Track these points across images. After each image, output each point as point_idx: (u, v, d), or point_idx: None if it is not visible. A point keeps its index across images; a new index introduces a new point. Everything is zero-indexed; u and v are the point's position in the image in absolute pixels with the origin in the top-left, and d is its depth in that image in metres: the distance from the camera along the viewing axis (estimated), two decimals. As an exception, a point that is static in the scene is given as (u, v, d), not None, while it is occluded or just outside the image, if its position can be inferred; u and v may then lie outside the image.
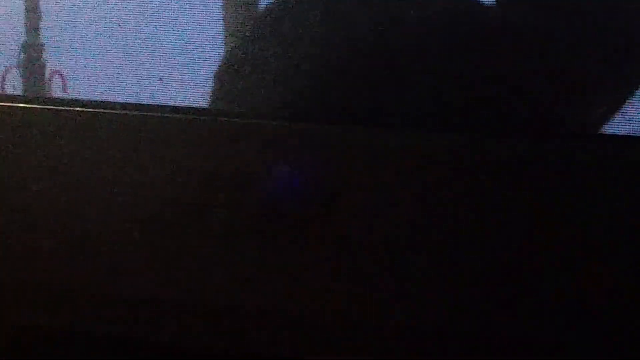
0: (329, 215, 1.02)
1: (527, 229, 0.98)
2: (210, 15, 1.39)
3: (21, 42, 1.32)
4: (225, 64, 1.28)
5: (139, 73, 1.20)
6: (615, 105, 1.15)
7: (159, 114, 1.09)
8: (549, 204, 0.98)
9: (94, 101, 1.13)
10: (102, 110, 1.11)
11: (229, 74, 1.25)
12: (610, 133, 1.16)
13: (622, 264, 0.96)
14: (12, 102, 1.14)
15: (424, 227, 1.00)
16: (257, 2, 1.71)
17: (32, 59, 1.31)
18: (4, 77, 1.30)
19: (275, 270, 1.04)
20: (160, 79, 1.19)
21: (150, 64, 1.20)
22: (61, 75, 1.27)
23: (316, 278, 1.03)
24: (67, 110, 1.11)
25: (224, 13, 1.64)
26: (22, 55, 1.31)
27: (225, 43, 1.59)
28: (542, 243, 0.98)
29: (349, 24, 1.18)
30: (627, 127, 1.05)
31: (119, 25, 1.21)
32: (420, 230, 1.01)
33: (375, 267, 1.01)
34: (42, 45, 1.30)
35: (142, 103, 1.14)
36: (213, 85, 1.25)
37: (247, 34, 1.33)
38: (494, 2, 1.16)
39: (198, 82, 1.23)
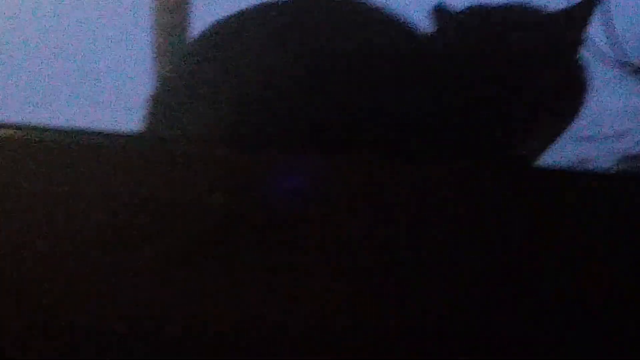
0: (264, 241, 1.01)
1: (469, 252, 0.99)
2: (140, 40, 1.38)
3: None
4: (157, 89, 1.27)
5: (70, 96, 1.18)
6: (548, 140, 1.16)
7: (90, 139, 1.07)
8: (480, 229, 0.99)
9: (23, 125, 1.10)
10: (31, 135, 1.08)
11: (161, 100, 1.24)
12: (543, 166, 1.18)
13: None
14: None
15: (356, 257, 1.00)
16: (186, 28, 1.71)
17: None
18: None
19: (209, 297, 1.03)
20: (93, 103, 1.17)
21: (83, 87, 1.19)
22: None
23: (251, 306, 1.03)
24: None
25: (154, 38, 1.64)
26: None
27: (155, 68, 1.59)
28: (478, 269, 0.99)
29: (285, 51, 1.17)
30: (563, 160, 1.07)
31: (50, 48, 1.19)
32: (351, 260, 1.01)
33: (298, 294, 1.01)
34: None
35: (73, 127, 1.12)
36: (145, 110, 1.23)
37: (180, 59, 1.32)
38: (433, 32, 1.17)
39: (130, 106, 1.21)
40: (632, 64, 1.26)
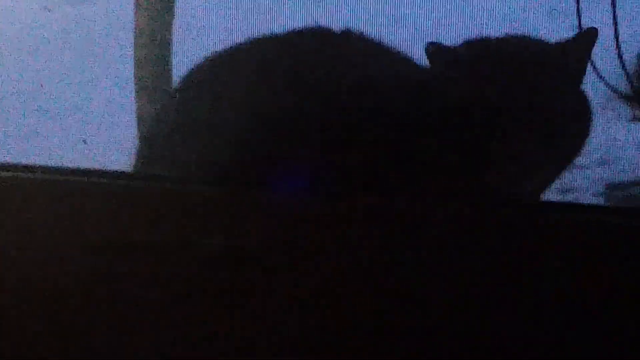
0: (250, 281, 1.00)
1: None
2: (123, 77, 1.36)
3: None
4: (148, 128, 1.24)
5: (60, 135, 1.16)
6: (556, 172, 1.15)
7: (81, 178, 1.05)
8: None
9: (13, 164, 1.08)
10: (21, 174, 1.06)
11: (153, 138, 1.22)
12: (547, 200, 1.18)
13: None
14: None
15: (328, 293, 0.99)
16: (168, 63, 1.68)
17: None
18: None
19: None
20: (84, 141, 1.15)
21: (72, 125, 1.16)
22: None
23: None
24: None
25: (136, 74, 1.61)
26: None
27: (138, 104, 1.56)
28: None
29: (281, 87, 1.15)
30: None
31: (40, 85, 1.17)
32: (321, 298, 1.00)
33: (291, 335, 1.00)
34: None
35: (64, 167, 1.09)
36: (137, 149, 1.21)
37: (170, 97, 1.30)
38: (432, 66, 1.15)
39: (121, 145, 1.19)
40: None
